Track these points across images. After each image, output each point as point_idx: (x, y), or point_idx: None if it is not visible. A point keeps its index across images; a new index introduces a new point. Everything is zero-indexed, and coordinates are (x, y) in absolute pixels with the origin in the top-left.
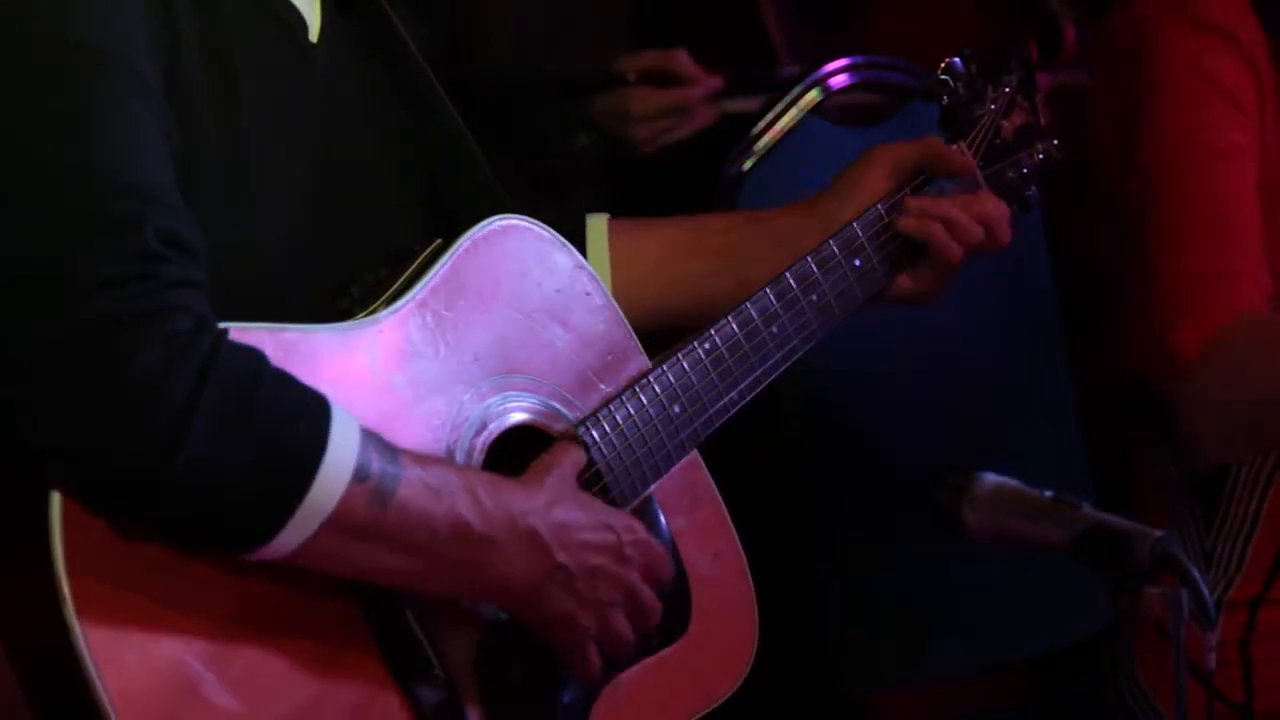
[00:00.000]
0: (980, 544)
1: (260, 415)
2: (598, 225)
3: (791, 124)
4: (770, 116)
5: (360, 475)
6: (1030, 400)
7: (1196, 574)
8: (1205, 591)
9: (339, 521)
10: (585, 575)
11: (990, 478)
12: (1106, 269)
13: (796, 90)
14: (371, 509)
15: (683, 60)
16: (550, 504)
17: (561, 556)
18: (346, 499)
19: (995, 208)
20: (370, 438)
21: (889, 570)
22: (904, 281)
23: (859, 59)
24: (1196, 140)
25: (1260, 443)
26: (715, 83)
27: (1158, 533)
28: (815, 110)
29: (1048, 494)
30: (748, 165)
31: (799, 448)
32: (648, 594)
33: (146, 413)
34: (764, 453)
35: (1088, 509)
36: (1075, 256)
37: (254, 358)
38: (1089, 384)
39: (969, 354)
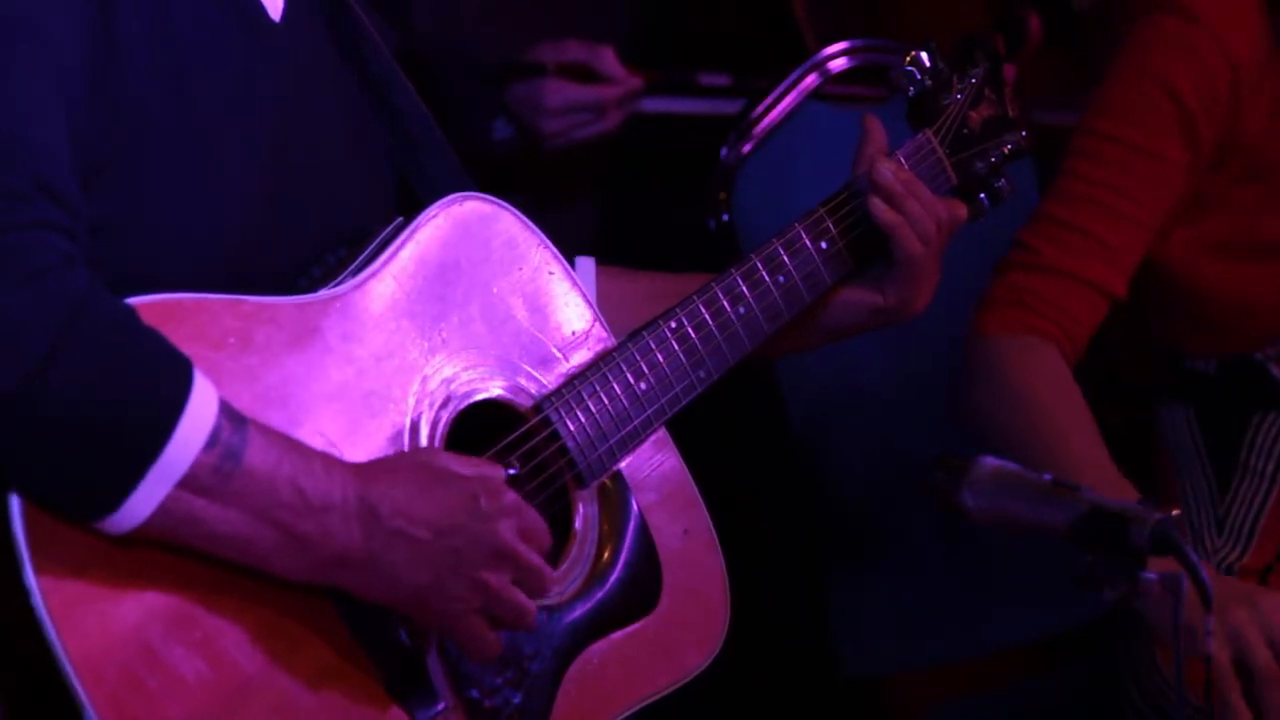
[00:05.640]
0: (980, 528)
1: (120, 369)
2: (586, 267)
3: (791, 108)
4: (769, 100)
5: (213, 440)
6: None
7: (1195, 558)
8: (1204, 575)
9: (191, 485)
10: (435, 538)
11: (990, 461)
12: None
13: (795, 74)
14: (219, 474)
15: (608, 59)
16: (389, 472)
17: (396, 522)
18: (199, 463)
19: (950, 211)
20: (224, 404)
21: (891, 555)
22: (874, 299)
23: (858, 42)
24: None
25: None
26: (636, 84)
27: (1156, 515)
28: (814, 94)
29: (1046, 477)
30: (746, 149)
31: (802, 435)
32: (524, 551)
33: (3, 352)
34: (767, 440)
35: (1087, 493)
36: None
37: (122, 311)
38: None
39: None
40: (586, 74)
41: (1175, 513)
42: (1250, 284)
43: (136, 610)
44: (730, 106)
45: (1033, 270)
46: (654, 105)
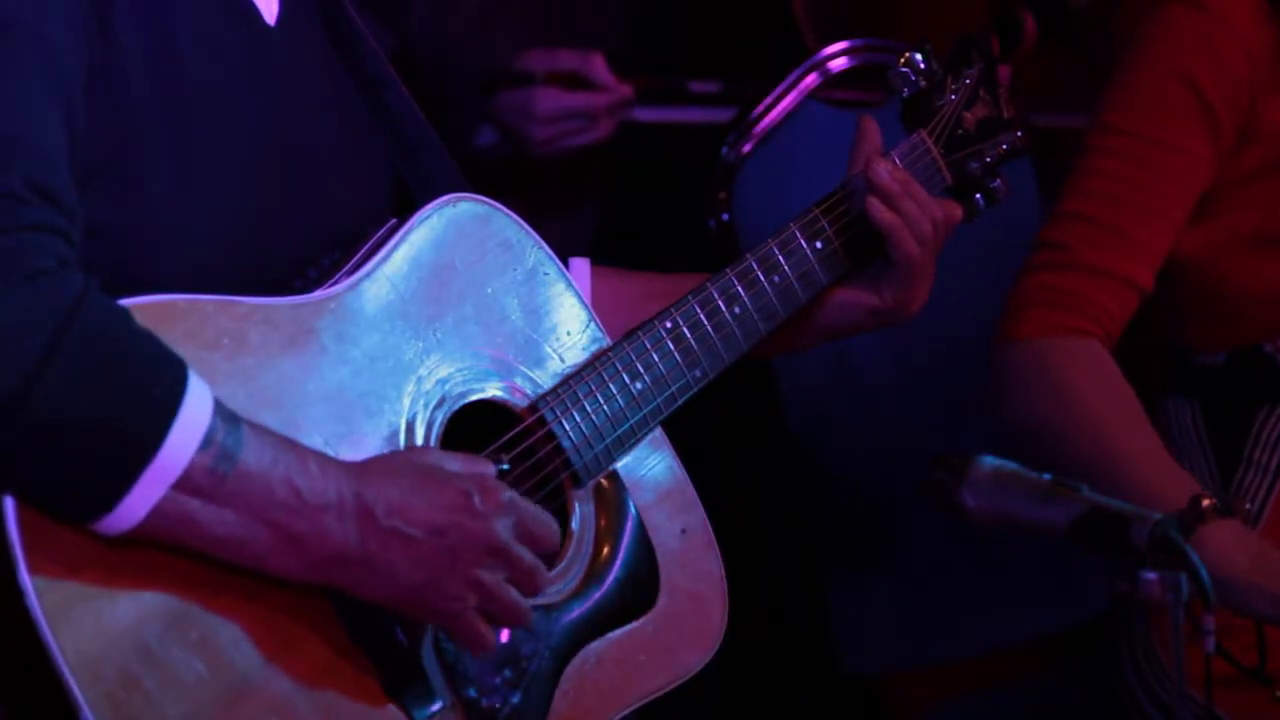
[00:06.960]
0: (980, 527)
1: (117, 372)
2: (580, 268)
3: (790, 108)
4: (769, 100)
5: (207, 442)
6: None
7: (1195, 557)
8: (1204, 574)
9: (186, 486)
10: (430, 537)
11: (989, 460)
12: None
13: (795, 74)
14: (215, 475)
15: (598, 66)
16: (384, 471)
17: (392, 521)
18: (193, 465)
19: (945, 211)
20: (219, 405)
21: (891, 555)
22: (870, 299)
23: (857, 42)
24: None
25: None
26: (625, 92)
27: (1156, 515)
28: (813, 94)
29: (1046, 477)
30: (746, 149)
31: (801, 434)
32: (516, 550)
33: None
34: (766, 440)
35: (1086, 492)
36: None
37: (118, 313)
38: None
39: (972, 337)
40: (578, 82)
41: (1248, 507)
42: (1269, 275)
43: (133, 610)
44: (720, 114)
45: (1065, 269)
46: (645, 115)
